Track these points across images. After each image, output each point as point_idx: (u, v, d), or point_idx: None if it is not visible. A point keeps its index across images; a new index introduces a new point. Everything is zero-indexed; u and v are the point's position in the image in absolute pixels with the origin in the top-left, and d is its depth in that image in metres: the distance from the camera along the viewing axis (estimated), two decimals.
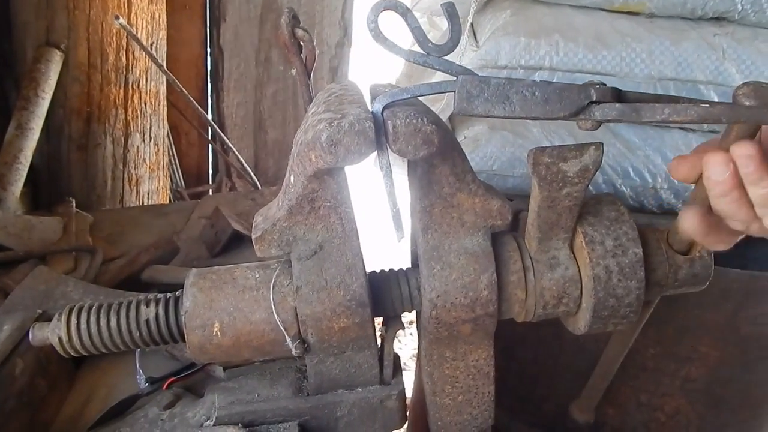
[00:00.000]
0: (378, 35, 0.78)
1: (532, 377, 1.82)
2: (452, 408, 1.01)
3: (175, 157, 3.00)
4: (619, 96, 0.80)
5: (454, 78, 0.80)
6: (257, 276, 0.90)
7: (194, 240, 1.68)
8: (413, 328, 2.69)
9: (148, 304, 0.92)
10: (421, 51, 0.80)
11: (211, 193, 3.13)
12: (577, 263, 0.92)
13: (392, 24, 0.82)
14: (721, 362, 1.58)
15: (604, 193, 0.96)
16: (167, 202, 2.71)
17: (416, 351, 3.35)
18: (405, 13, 0.79)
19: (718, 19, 1.71)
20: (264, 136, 3.24)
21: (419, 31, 0.79)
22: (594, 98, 0.79)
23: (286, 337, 0.87)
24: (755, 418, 1.73)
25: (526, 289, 0.92)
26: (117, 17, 2.10)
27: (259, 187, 2.88)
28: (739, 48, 1.65)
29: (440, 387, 0.99)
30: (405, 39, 0.92)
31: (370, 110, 0.81)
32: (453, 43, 0.80)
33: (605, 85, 0.80)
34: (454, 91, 0.80)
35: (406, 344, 3.90)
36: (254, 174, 2.96)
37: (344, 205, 0.87)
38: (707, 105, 0.73)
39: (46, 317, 1.13)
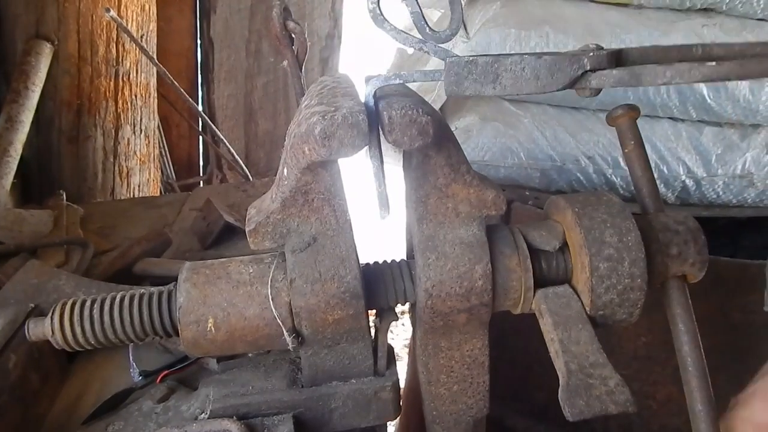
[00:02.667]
0: (377, 18, 0.78)
1: (525, 367, 1.82)
2: (447, 397, 1.01)
3: (166, 149, 2.99)
4: (618, 58, 0.78)
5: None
6: (251, 271, 0.90)
7: (186, 232, 1.67)
8: (404, 318, 2.71)
9: (142, 299, 0.91)
10: (419, 37, 0.80)
11: (201, 185, 3.12)
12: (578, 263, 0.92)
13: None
14: (712, 351, 1.58)
15: (604, 191, 0.97)
16: (158, 194, 2.71)
17: (408, 341, 3.36)
18: None
19: (706, 11, 1.72)
20: (255, 127, 3.24)
21: (419, 16, 0.79)
22: (588, 68, 0.77)
23: (284, 332, 0.88)
24: None
25: (523, 285, 0.92)
26: (108, 9, 2.09)
27: (251, 179, 2.88)
28: (726, 39, 1.66)
29: (435, 377, 0.99)
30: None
31: (363, 94, 0.82)
32: (452, 31, 0.79)
33: (602, 48, 0.78)
34: (443, 76, 0.80)
35: (398, 334, 3.90)
36: (245, 165, 2.96)
37: (338, 197, 0.87)
38: (713, 64, 0.71)
39: (38, 311, 1.12)
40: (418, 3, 0.78)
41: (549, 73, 0.79)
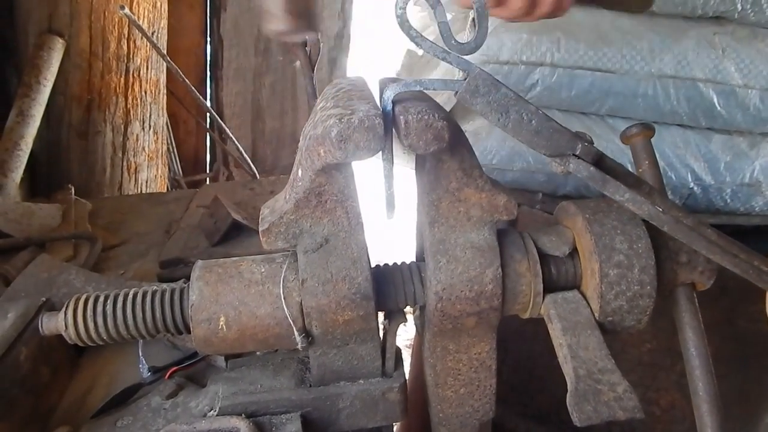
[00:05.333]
0: (404, 23, 0.78)
1: (527, 370, 1.83)
2: (454, 400, 1.01)
3: (174, 145, 3.00)
4: (599, 158, 0.86)
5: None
6: (263, 270, 0.91)
7: (193, 229, 1.68)
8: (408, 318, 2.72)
9: (155, 297, 0.92)
10: (443, 46, 0.81)
11: (208, 182, 3.13)
12: (587, 269, 0.93)
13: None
14: (717, 358, 1.59)
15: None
16: (165, 190, 2.71)
17: (410, 341, 3.36)
18: (435, 4, 0.79)
19: (718, 18, 1.72)
20: (262, 125, 3.25)
21: (445, 25, 0.80)
22: (577, 152, 0.84)
23: (294, 331, 0.88)
24: (750, 414, 1.75)
25: (533, 290, 0.93)
26: (122, 7, 2.11)
27: (257, 176, 2.88)
28: (738, 47, 1.66)
29: (443, 379, 1.00)
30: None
31: (381, 97, 0.82)
32: (476, 44, 0.80)
33: (593, 144, 0.85)
34: (465, 82, 0.81)
35: (399, 335, 3.90)
36: (252, 163, 2.96)
37: (351, 199, 0.88)
38: (660, 209, 0.84)
39: (49, 305, 1.13)
40: (445, 13, 0.79)
41: (548, 137, 0.84)
